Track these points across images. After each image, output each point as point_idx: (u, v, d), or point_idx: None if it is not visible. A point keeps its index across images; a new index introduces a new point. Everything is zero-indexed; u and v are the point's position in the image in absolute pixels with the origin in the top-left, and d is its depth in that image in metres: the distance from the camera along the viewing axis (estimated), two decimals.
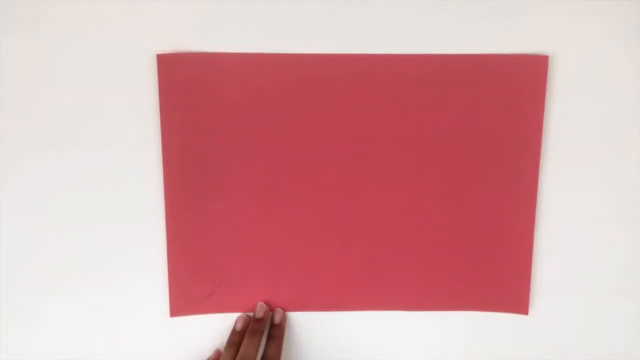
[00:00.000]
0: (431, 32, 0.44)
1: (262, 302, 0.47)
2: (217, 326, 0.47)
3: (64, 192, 0.45)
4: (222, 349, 0.47)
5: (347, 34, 0.44)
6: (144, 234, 0.46)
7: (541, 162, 0.46)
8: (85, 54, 0.44)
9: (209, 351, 0.48)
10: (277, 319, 0.47)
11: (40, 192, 0.45)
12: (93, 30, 0.43)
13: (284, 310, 0.48)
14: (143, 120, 0.45)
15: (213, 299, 0.47)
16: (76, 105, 0.44)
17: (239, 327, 0.46)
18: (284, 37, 0.44)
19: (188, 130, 0.44)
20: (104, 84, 0.44)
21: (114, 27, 0.43)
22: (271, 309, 0.48)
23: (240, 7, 0.43)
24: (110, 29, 0.43)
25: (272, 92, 0.44)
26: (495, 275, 0.48)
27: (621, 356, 0.49)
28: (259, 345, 0.45)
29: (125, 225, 0.46)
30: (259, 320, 0.46)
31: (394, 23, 0.44)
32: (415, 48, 0.44)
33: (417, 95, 0.45)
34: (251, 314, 0.47)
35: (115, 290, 0.47)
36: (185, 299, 0.47)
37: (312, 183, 0.46)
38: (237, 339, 0.46)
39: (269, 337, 0.46)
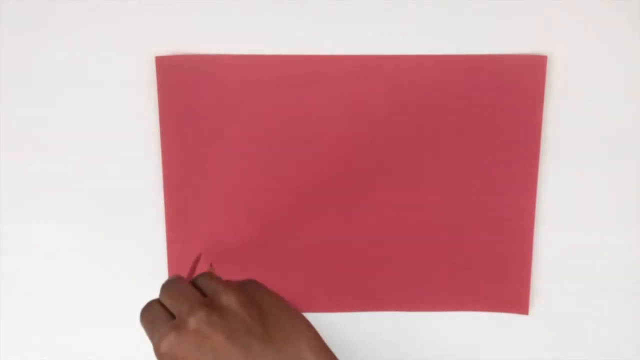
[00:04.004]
0: (430, 33, 0.44)
1: None
2: None
3: (63, 192, 0.46)
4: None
5: (346, 34, 0.44)
6: (144, 234, 0.46)
7: (540, 161, 0.46)
8: (84, 56, 0.44)
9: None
10: None
11: (39, 193, 0.46)
12: (92, 32, 0.43)
13: None
14: (142, 122, 0.45)
15: None
16: (75, 106, 0.45)
17: None
18: (282, 39, 0.44)
19: (187, 132, 0.45)
20: (103, 86, 0.44)
21: (113, 29, 0.43)
22: None
23: (238, 8, 0.43)
24: (109, 30, 0.43)
25: (271, 94, 0.44)
26: (495, 275, 0.48)
27: (621, 356, 0.49)
28: None
29: (125, 225, 0.46)
30: None
31: (393, 23, 0.44)
32: (414, 48, 0.44)
33: (415, 95, 0.45)
34: None
35: (116, 291, 0.47)
36: None
37: (311, 183, 0.46)
38: None
39: None
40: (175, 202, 0.45)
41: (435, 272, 0.47)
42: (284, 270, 0.47)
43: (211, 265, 0.46)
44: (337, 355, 0.49)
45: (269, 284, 0.47)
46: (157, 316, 0.33)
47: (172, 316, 0.32)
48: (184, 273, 0.46)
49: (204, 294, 0.33)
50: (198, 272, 0.44)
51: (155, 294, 0.47)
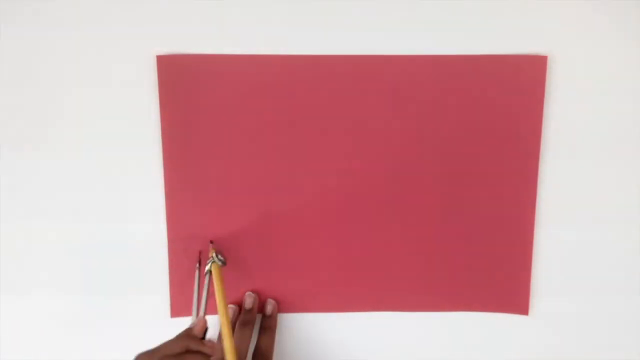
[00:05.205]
0: (430, 33, 0.44)
1: (250, 292, 0.47)
2: (217, 327, 0.48)
3: (64, 191, 0.46)
4: (213, 340, 0.47)
5: (346, 35, 0.44)
6: (145, 234, 0.46)
7: (540, 162, 0.46)
8: (85, 55, 0.44)
9: None
10: (269, 310, 0.47)
11: (40, 191, 0.46)
12: (93, 32, 0.44)
13: (277, 303, 0.48)
14: (143, 120, 0.45)
15: (213, 299, 0.47)
16: (77, 106, 0.45)
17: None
18: (282, 39, 0.44)
19: (188, 130, 0.45)
20: (105, 85, 0.44)
21: (114, 29, 0.43)
22: (261, 300, 0.47)
23: (238, 8, 0.43)
24: (110, 30, 0.44)
25: (270, 93, 0.44)
26: (495, 276, 0.48)
27: (621, 356, 0.49)
28: (250, 336, 0.45)
29: (126, 225, 0.46)
30: (249, 311, 0.46)
31: (393, 24, 0.44)
32: (414, 49, 0.44)
33: (416, 95, 0.45)
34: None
35: (117, 291, 0.47)
36: (186, 299, 0.47)
37: (311, 183, 0.46)
38: None
39: (262, 328, 0.46)
40: (176, 200, 0.46)
41: (436, 272, 0.47)
42: (284, 271, 0.47)
43: (211, 242, 0.46)
44: (337, 355, 0.50)
45: (269, 283, 0.48)
46: None
47: None
48: (184, 271, 0.46)
49: None
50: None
51: (154, 293, 0.47)
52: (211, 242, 0.46)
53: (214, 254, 0.44)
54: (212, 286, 0.43)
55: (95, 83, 0.44)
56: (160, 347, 0.38)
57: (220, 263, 0.44)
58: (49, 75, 0.44)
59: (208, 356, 0.38)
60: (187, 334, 0.40)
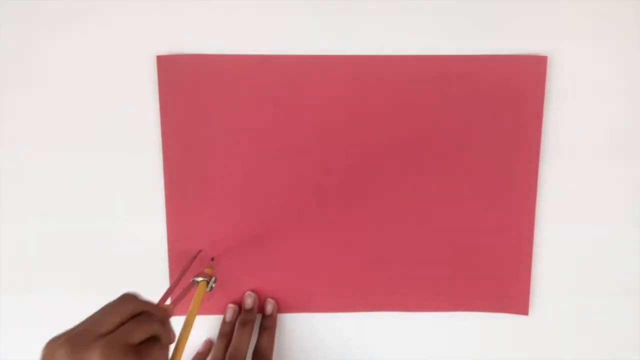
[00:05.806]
0: (430, 33, 0.44)
1: (250, 292, 0.47)
2: (217, 326, 0.48)
3: (65, 191, 0.46)
4: (213, 340, 0.47)
5: (346, 35, 0.44)
6: (145, 233, 0.46)
7: (540, 162, 0.46)
8: (86, 55, 0.44)
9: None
10: (268, 309, 0.47)
11: (41, 191, 0.46)
12: (94, 32, 0.44)
13: (277, 303, 0.48)
14: (143, 120, 0.45)
15: (212, 300, 0.47)
16: (77, 106, 0.45)
17: (228, 317, 0.46)
18: (282, 39, 0.44)
19: (188, 130, 0.45)
20: (105, 85, 0.44)
21: (114, 29, 0.44)
22: (260, 300, 0.48)
23: (239, 9, 0.43)
24: (110, 30, 0.44)
25: (270, 93, 0.44)
26: (496, 276, 0.48)
27: (621, 356, 0.49)
28: (250, 336, 0.45)
29: (126, 225, 0.46)
30: (249, 311, 0.46)
31: (393, 24, 0.44)
32: (414, 49, 0.44)
33: (416, 96, 0.45)
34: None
35: (117, 292, 0.47)
36: (185, 299, 0.47)
37: (311, 183, 0.46)
38: (227, 329, 0.46)
39: (261, 328, 0.46)
40: (176, 201, 0.46)
41: (436, 272, 0.47)
42: (283, 271, 0.47)
43: (212, 260, 0.46)
44: (337, 355, 0.50)
45: (269, 284, 0.48)
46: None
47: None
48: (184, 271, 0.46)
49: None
50: (198, 267, 0.45)
51: (154, 294, 0.47)
52: (212, 259, 0.46)
53: (212, 279, 0.43)
54: (193, 293, 0.42)
55: (95, 83, 0.44)
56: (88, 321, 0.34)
57: (209, 288, 0.43)
58: (49, 75, 0.44)
59: (159, 320, 0.34)
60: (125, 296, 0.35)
